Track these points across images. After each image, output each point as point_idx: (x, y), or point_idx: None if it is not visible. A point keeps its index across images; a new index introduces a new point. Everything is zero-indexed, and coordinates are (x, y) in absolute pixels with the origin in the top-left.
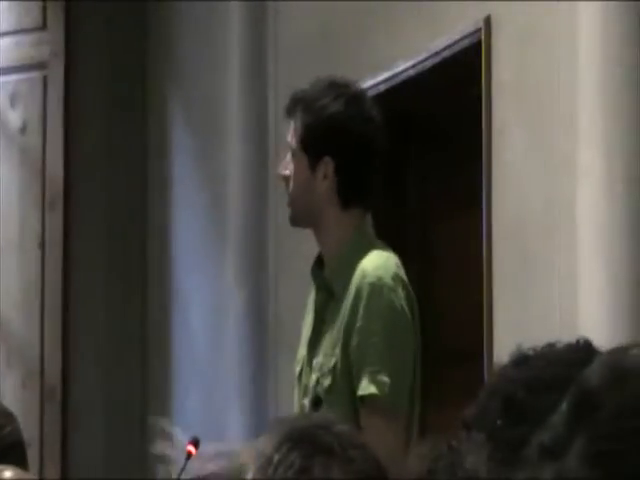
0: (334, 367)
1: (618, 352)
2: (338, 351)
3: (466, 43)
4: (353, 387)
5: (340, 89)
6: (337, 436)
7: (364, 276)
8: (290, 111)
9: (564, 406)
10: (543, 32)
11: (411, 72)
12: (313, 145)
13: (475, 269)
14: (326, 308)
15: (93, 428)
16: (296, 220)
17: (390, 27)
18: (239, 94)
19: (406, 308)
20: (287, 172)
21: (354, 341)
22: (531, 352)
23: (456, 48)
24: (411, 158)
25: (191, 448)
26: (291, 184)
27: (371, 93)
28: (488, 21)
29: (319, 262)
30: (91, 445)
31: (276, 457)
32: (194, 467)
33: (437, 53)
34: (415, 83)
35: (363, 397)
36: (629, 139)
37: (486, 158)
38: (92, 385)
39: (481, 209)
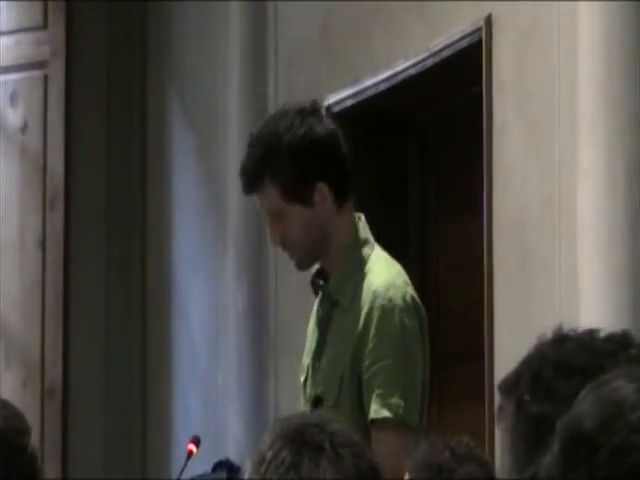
0: (340, 384)
1: (602, 386)
2: (345, 369)
3: (466, 42)
4: (358, 405)
5: (281, 122)
6: (329, 434)
7: (375, 297)
8: (252, 185)
9: (556, 449)
10: (543, 31)
11: (411, 71)
12: (302, 187)
13: (476, 269)
14: (330, 318)
15: (93, 428)
16: (305, 262)
17: (390, 26)
18: (239, 93)
19: (417, 327)
20: (282, 238)
21: (365, 363)
22: (571, 333)
23: (456, 47)
24: (411, 157)
25: (192, 447)
26: (295, 239)
27: (371, 92)
28: (488, 20)
29: (319, 272)
30: (91, 445)
31: (269, 455)
32: None
33: (437, 52)
34: (415, 82)
35: (375, 419)
36: (629, 138)
37: (487, 157)
38: (92, 385)
39: (482, 208)
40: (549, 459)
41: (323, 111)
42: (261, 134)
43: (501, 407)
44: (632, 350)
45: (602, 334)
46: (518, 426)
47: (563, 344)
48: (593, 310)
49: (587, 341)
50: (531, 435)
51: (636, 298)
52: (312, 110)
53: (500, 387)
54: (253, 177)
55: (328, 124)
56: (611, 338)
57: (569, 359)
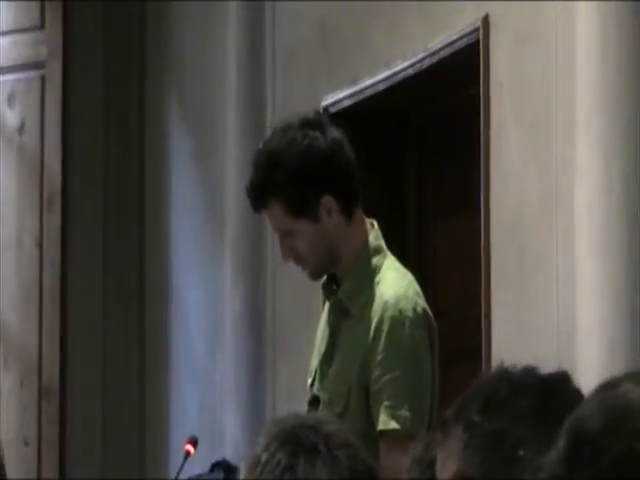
0: (348, 393)
1: (611, 388)
2: (354, 379)
3: (464, 42)
4: (366, 415)
5: (284, 137)
6: (324, 436)
7: (385, 308)
8: (260, 202)
9: (561, 447)
10: (541, 32)
11: (409, 71)
12: (307, 201)
13: (473, 268)
14: (340, 326)
15: (90, 428)
16: (318, 272)
17: (388, 27)
18: (237, 94)
19: (426, 339)
20: (291, 253)
21: (374, 374)
22: (513, 367)
23: (454, 47)
24: (409, 157)
25: (190, 447)
26: (305, 254)
27: (369, 92)
28: (486, 20)
29: (331, 278)
30: (88, 445)
31: (264, 456)
32: None
33: (435, 52)
34: (413, 82)
35: (383, 431)
36: (626, 139)
37: (484, 157)
38: (90, 384)
39: (479, 208)
40: (554, 455)
41: (326, 120)
42: (263, 152)
43: (444, 434)
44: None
45: (541, 370)
46: (472, 442)
47: (511, 372)
48: (590, 309)
49: (534, 370)
50: (487, 448)
51: (633, 298)
52: (315, 122)
53: (443, 416)
54: (258, 197)
55: (332, 134)
56: (553, 373)
57: (522, 380)
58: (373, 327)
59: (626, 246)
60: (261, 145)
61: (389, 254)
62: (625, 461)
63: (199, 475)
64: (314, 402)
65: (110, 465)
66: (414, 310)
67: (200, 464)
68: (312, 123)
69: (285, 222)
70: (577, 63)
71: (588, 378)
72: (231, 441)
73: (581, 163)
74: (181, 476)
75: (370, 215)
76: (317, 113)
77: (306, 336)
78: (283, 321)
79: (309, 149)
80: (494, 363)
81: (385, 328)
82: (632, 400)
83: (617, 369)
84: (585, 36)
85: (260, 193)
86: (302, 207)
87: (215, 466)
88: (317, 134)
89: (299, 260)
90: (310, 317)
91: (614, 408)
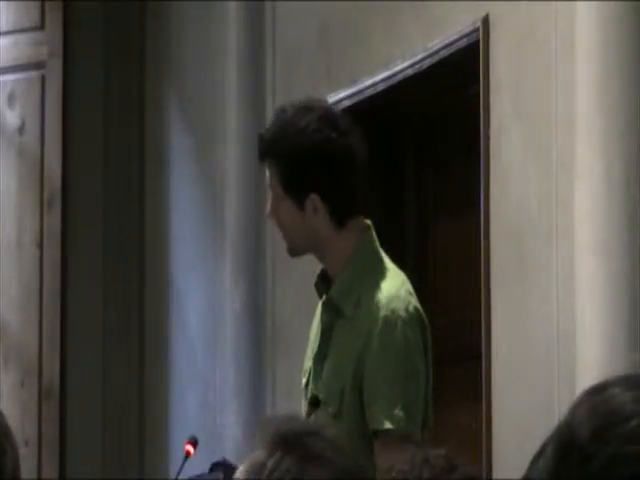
0: (342, 394)
1: (599, 392)
2: (347, 380)
3: (464, 42)
4: (360, 415)
5: (305, 117)
6: (328, 442)
7: (378, 308)
8: (263, 155)
9: (549, 454)
10: (541, 32)
11: (409, 72)
12: (295, 186)
13: (473, 269)
14: (333, 326)
15: (91, 428)
16: (295, 252)
17: (388, 26)
18: (237, 94)
19: (419, 340)
20: (274, 215)
21: (367, 374)
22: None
23: (454, 47)
24: (409, 157)
25: (189, 448)
26: (282, 224)
27: (369, 92)
28: (486, 20)
29: (323, 276)
30: (89, 445)
31: (269, 464)
32: None
33: (435, 52)
34: (413, 82)
35: (378, 431)
36: (627, 139)
37: (484, 158)
38: (90, 385)
39: (479, 209)
40: (543, 462)
41: (349, 126)
42: (282, 118)
43: None
44: None
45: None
46: None
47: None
48: (590, 311)
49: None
50: None
51: (633, 299)
52: (337, 122)
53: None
54: (262, 152)
55: (348, 141)
56: None
57: None
58: (366, 327)
59: (626, 246)
60: (287, 106)
61: (383, 254)
62: (614, 466)
63: (199, 475)
64: (314, 402)
65: (110, 465)
66: (406, 310)
67: (200, 464)
68: (333, 121)
69: (276, 187)
70: (577, 63)
71: (588, 378)
72: (231, 441)
73: (581, 163)
74: (181, 476)
75: (370, 216)
76: (344, 115)
77: (306, 336)
78: (283, 321)
79: (317, 145)
80: (494, 364)
81: (378, 328)
82: (620, 404)
83: (617, 369)
84: (585, 36)
85: (264, 151)
86: (292, 188)
87: (215, 466)
88: (333, 135)
89: (279, 227)
90: (310, 317)
91: (602, 413)
